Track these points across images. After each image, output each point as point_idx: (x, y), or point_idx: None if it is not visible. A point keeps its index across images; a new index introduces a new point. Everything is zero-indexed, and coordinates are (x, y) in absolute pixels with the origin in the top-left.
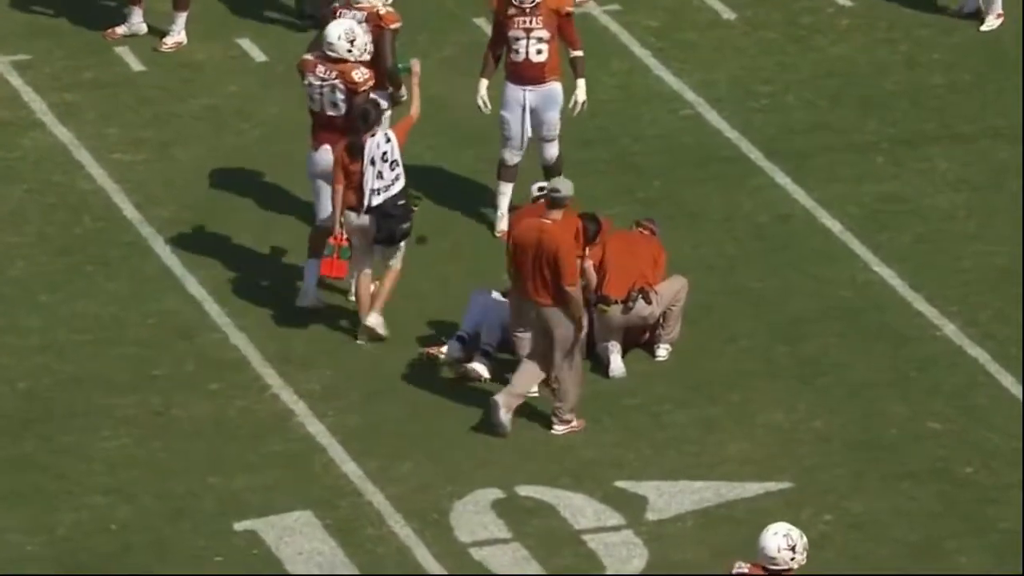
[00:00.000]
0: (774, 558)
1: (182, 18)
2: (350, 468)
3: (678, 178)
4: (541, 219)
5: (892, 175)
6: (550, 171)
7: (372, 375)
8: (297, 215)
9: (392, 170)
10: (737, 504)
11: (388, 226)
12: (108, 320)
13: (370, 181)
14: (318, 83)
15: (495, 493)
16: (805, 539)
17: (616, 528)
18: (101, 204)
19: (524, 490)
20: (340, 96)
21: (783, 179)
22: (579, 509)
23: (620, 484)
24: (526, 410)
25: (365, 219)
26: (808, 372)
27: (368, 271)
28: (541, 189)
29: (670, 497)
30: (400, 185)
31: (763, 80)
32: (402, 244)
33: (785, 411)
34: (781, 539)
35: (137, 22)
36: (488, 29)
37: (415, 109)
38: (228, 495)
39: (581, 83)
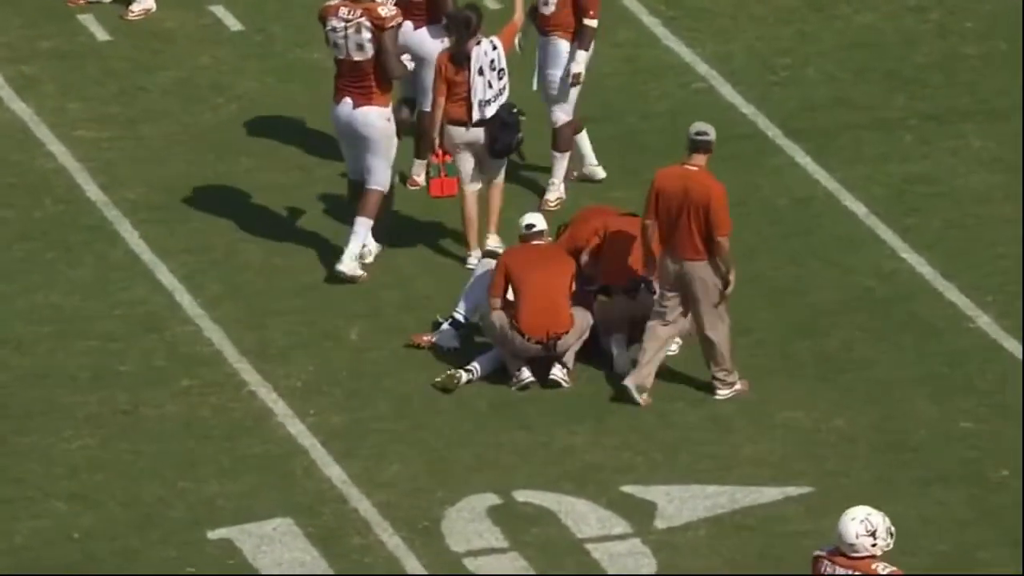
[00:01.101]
0: (853, 545)
1: None
2: (333, 472)
3: None
4: (685, 166)
5: (921, 154)
6: (553, 137)
7: (357, 370)
8: (277, 197)
9: (500, 79)
10: (753, 510)
11: (506, 136)
12: (70, 311)
13: (480, 91)
14: (341, 25)
15: (491, 499)
16: (888, 522)
17: (622, 536)
18: (63, 185)
19: (522, 495)
20: (366, 36)
21: (803, 159)
22: (582, 516)
23: (626, 489)
24: (525, 409)
25: (474, 132)
26: (830, 368)
27: (476, 188)
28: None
29: (681, 503)
30: (507, 94)
31: (782, 51)
32: (505, 158)
33: (805, 410)
34: (859, 525)
35: None
36: None
37: (519, 15)
38: (201, 501)
39: (581, 56)
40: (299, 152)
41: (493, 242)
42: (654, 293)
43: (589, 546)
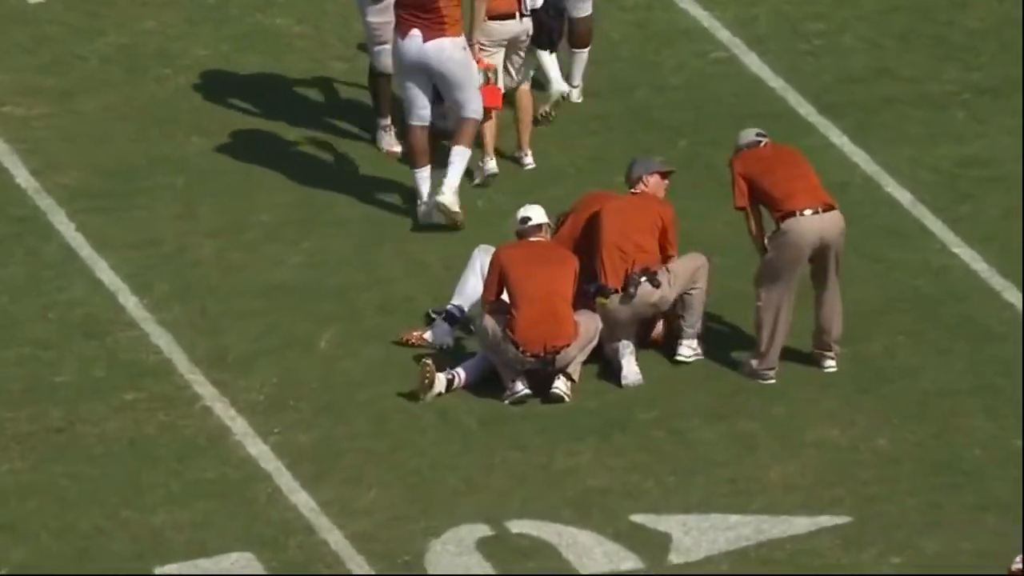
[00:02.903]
0: None
1: None
2: (300, 498)
3: (708, 138)
4: (763, 138)
5: (976, 133)
6: (569, 31)
7: (328, 381)
8: (232, 180)
9: None
10: (782, 543)
11: (558, 25)
12: None
13: None
14: None
15: (481, 529)
16: None
17: (632, 572)
18: None
19: (517, 526)
20: None
21: (839, 139)
22: (586, 549)
23: (636, 518)
24: (520, 426)
25: (523, 24)
26: (870, 378)
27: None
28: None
29: (699, 534)
30: None
31: (814, 15)
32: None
33: (841, 427)
34: None
35: None
36: None
37: None
38: (147, 533)
39: None
40: (260, 130)
41: (529, 160)
42: (657, 286)
43: None
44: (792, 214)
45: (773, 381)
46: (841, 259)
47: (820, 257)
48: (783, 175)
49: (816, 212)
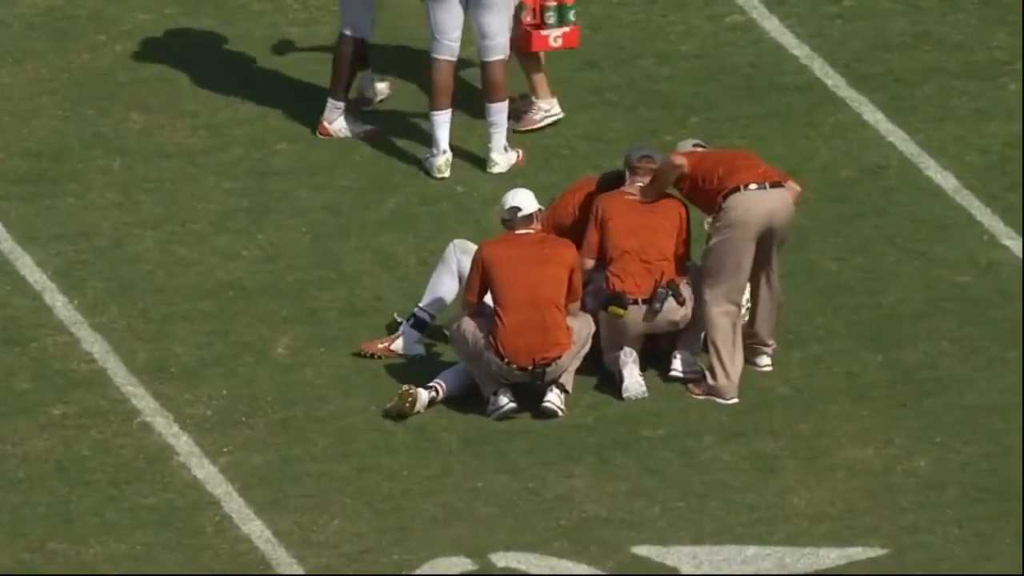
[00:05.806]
0: None
1: None
2: (254, 527)
3: (722, 114)
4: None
5: None
6: None
7: (286, 395)
8: (179, 164)
9: None
10: None
11: None
12: None
13: None
14: None
15: (462, 563)
16: None
17: None
18: None
19: (503, 559)
20: None
21: (873, 115)
22: None
23: (640, 550)
24: (506, 445)
25: None
26: (909, 390)
27: None
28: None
29: (712, 568)
30: None
31: None
32: None
33: (876, 445)
34: None
35: None
36: None
37: None
38: (78, 566)
39: None
40: (207, 106)
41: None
42: (682, 304)
43: None
44: (736, 189)
45: (735, 401)
46: (782, 248)
47: (763, 243)
48: (725, 157)
49: (762, 187)
